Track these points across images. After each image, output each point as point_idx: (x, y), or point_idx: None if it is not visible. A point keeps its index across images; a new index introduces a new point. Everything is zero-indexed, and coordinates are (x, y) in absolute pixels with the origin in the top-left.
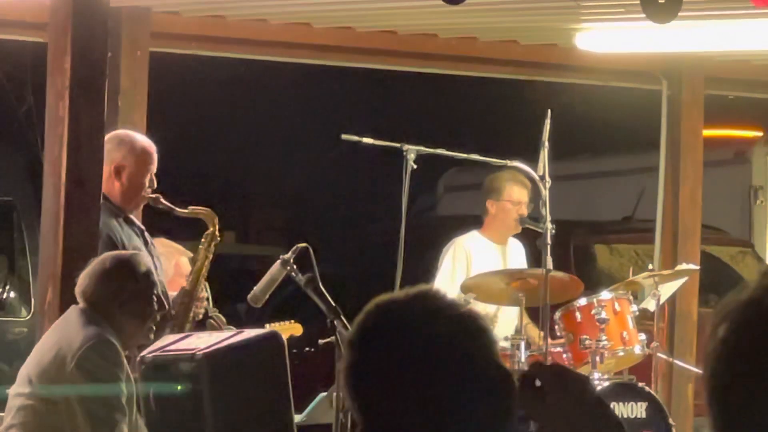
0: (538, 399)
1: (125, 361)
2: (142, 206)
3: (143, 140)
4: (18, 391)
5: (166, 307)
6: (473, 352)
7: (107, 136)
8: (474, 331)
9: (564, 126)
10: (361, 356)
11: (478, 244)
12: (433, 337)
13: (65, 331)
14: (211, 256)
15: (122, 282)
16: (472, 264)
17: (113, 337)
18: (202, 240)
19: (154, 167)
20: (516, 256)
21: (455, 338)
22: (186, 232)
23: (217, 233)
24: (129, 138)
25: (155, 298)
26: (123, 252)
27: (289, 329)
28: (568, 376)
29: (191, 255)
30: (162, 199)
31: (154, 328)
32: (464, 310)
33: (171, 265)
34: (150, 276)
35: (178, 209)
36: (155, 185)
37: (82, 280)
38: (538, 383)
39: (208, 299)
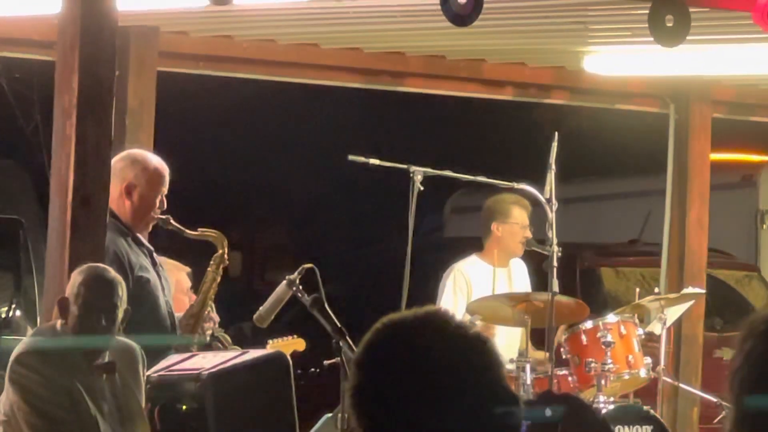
0: (550, 429)
1: (64, 363)
2: (151, 227)
3: (156, 160)
4: None
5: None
6: (481, 374)
7: (120, 155)
8: (482, 352)
9: (571, 148)
10: (368, 376)
11: (477, 270)
12: (441, 358)
13: None
14: (219, 279)
15: (78, 288)
16: (472, 290)
17: (61, 341)
18: (211, 262)
19: (165, 188)
20: (520, 276)
21: (463, 359)
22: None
23: (226, 256)
24: (142, 157)
25: (101, 312)
26: (97, 264)
27: (291, 345)
28: (581, 406)
29: (189, 270)
30: (172, 221)
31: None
32: (472, 332)
33: (171, 282)
34: (107, 287)
35: (187, 231)
36: (165, 206)
37: None
38: (548, 413)
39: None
